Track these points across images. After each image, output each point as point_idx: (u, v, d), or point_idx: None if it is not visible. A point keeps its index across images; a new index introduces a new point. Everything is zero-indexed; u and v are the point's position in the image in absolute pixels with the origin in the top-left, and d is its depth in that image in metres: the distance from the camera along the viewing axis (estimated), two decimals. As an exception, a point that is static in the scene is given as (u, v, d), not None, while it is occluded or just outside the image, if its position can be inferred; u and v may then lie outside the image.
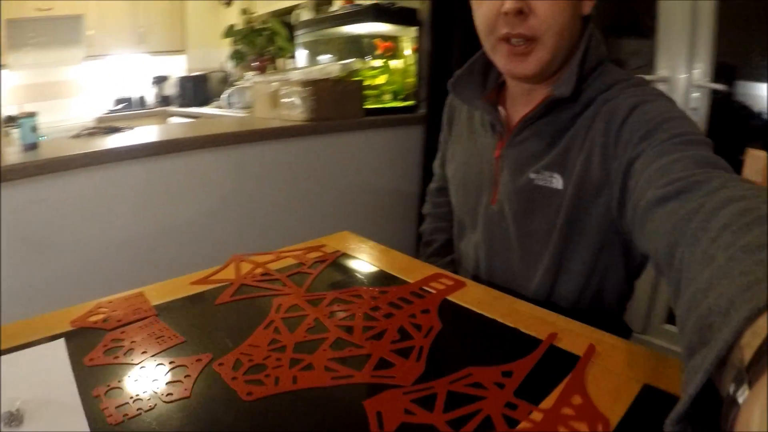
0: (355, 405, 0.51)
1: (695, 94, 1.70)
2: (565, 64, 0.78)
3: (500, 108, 0.88)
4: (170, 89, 4.25)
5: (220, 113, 2.88)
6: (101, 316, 0.66)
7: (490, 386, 0.54)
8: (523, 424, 0.48)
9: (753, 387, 0.24)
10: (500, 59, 0.78)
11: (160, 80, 4.25)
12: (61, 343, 0.60)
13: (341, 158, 2.05)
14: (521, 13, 0.70)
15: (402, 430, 0.46)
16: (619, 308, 0.89)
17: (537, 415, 0.49)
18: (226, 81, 3.87)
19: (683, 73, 1.69)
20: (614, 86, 0.76)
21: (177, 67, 4.26)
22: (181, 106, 3.74)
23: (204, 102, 3.67)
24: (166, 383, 0.52)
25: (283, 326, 0.65)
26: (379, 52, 2.38)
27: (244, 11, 3.66)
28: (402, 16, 2.32)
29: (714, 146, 0.60)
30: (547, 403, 0.52)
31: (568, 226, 0.78)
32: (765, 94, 1.69)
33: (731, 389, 0.25)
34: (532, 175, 0.80)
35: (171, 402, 0.49)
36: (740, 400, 0.24)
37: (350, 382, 0.54)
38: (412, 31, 2.39)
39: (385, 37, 2.38)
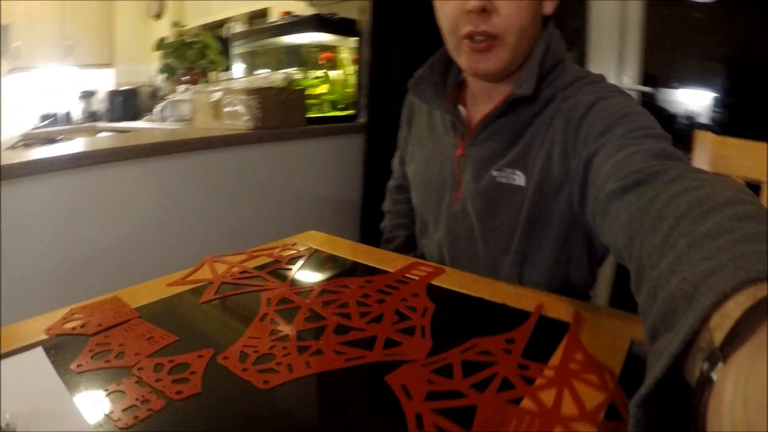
0: (376, 382, 0.51)
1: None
2: (525, 63, 0.80)
3: (461, 107, 0.89)
4: (98, 104, 4.05)
5: (154, 127, 2.78)
6: (78, 323, 0.62)
7: (498, 353, 0.56)
8: (539, 381, 0.50)
9: (726, 363, 0.25)
10: (463, 57, 0.79)
11: (87, 95, 4.03)
12: (39, 351, 0.55)
13: (285, 167, 2.03)
14: (484, 11, 0.71)
15: (430, 398, 0.47)
16: (583, 297, 0.91)
17: (549, 372, 0.52)
18: (155, 95, 3.73)
19: (612, 81, 1.82)
20: (573, 84, 0.78)
21: (105, 82, 4.06)
22: (111, 121, 3.57)
23: (134, 117, 3.52)
24: (172, 381, 0.49)
25: (279, 318, 0.64)
26: (320, 62, 2.39)
27: (175, 24, 3.56)
28: (342, 27, 2.35)
29: (672, 139, 0.63)
30: (553, 362, 0.54)
31: (530, 222, 0.80)
32: (685, 100, 1.90)
33: (705, 368, 0.26)
34: (495, 173, 0.81)
35: (182, 399, 0.47)
36: (715, 377, 0.25)
37: (364, 362, 0.54)
38: (351, 42, 2.42)
39: (325, 47, 2.40)
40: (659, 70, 1.97)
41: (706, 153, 0.81)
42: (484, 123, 0.82)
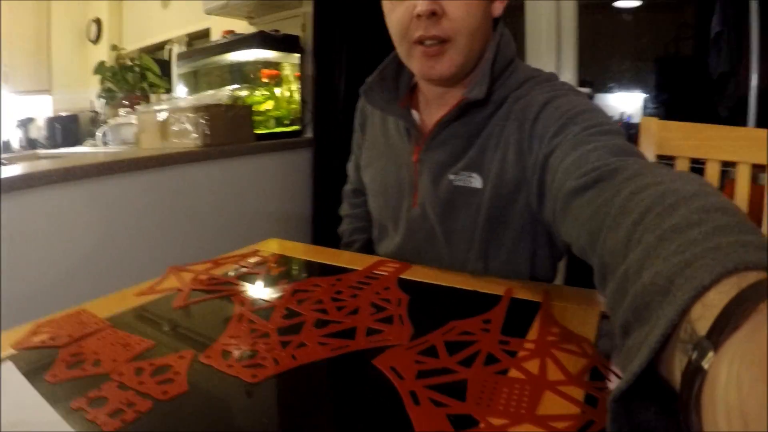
0: (364, 367, 0.51)
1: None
2: (477, 66, 0.80)
3: (414, 112, 0.88)
4: (37, 131, 3.85)
5: (98, 151, 2.67)
6: (46, 335, 0.58)
7: (478, 332, 0.57)
8: (521, 354, 0.52)
9: (719, 350, 0.25)
10: (415, 62, 0.78)
11: (25, 122, 3.82)
12: (9, 365, 0.52)
13: (235, 183, 2.01)
14: (434, 15, 0.71)
15: (420, 377, 0.48)
16: None
17: (529, 345, 0.54)
18: (96, 121, 3.59)
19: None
20: (525, 83, 0.78)
21: (43, 108, 3.87)
22: (51, 148, 3.40)
23: (75, 143, 3.37)
24: (156, 383, 0.47)
25: (256, 317, 0.63)
26: (264, 79, 2.38)
27: (114, 47, 3.46)
28: (285, 44, 2.36)
29: (626, 135, 0.64)
30: (531, 336, 0.56)
31: (490, 223, 0.80)
32: (616, 104, 2.07)
33: (693, 357, 0.26)
34: (451, 177, 0.81)
35: (169, 399, 0.45)
36: (706, 365, 0.25)
37: (349, 350, 0.54)
38: (295, 58, 2.43)
39: (268, 64, 2.40)
40: (594, 74, 2.10)
41: (651, 137, 0.88)
42: (438, 128, 0.81)
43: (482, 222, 0.80)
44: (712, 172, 0.85)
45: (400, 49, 0.80)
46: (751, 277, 0.27)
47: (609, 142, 0.59)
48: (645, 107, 2.05)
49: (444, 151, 0.82)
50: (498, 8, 0.79)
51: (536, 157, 0.70)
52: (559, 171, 0.61)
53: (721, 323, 0.26)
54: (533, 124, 0.72)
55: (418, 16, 0.71)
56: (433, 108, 0.86)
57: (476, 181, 0.79)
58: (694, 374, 0.25)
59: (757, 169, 0.84)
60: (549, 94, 0.73)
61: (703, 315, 0.27)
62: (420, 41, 0.74)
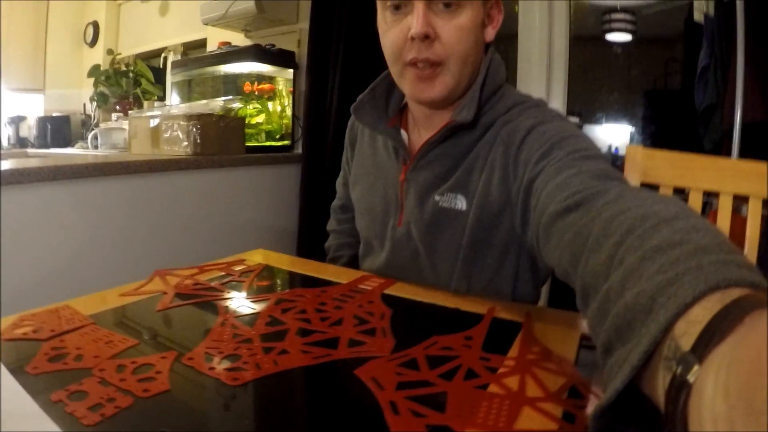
0: (344, 377, 0.52)
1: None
2: (467, 90, 0.80)
3: (403, 132, 0.90)
4: (27, 130, 3.81)
5: (88, 153, 2.65)
6: (29, 328, 0.58)
7: (459, 348, 0.58)
8: (501, 370, 0.53)
9: (704, 363, 0.25)
10: (407, 84, 0.79)
11: (16, 120, 3.78)
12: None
13: (223, 194, 2.01)
14: (427, 38, 0.72)
15: (400, 388, 0.48)
16: None
17: (509, 362, 0.54)
18: (86, 123, 3.57)
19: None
20: (513, 108, 0.80)
21: (34, 108, 3.83)
22: (41, 148, 3.37)
23: (65, 144, 3.34)
24: (138, 381, 0.47)
25: (239, 323, 0.63)
26: (257, 92, 2.40)
27: (110, 51, 3.45)
28: (280, 59, 2.38)
29: (610, 160, 0.67)
30: (512, 354, 0.57)
31: (474, 244, 0.81)
32: (604, 136, 2.15)
33: (678, 372, 0.26)
34: (437, 198, 0.82)
35: (150, 397, 0.45)
36: (692, 379, 0.25)
37: (330, 359, 0.54)
38: (289, 73, 2.45)
39: (262, 78, 2.42)
40: (583, 105, 2.15)
41: (636, 165, 0.90)
42: (425, 149, 0.83)
43: (466, 243, 0.81)
44: (695, 202, 0.88)
45: (393, 70, 0.81)
46: (735, 293, 0.28)
47: (592, 166, 0.60)
48: (632, 140, 2.10)
49: (430, 172, 0.83)
50: (490, 34, 0.81)
51: (521, 182, 0.71)
52: (543, 195, 0.61)
53: (706, 337, 0.26)
54: (519, 148, 0.74)
55: (412, 38, 0.73)
56: (421, 129, 0.87)
57: (461, 203, 0.80)
58: (680, 388, 0.26)
59: (739, 200, 0.87)
60: (535, 120, 0.74)
61: (687, 331, 0.27)
62: (413, 63, 0.75)
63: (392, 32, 0.76)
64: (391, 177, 0.90)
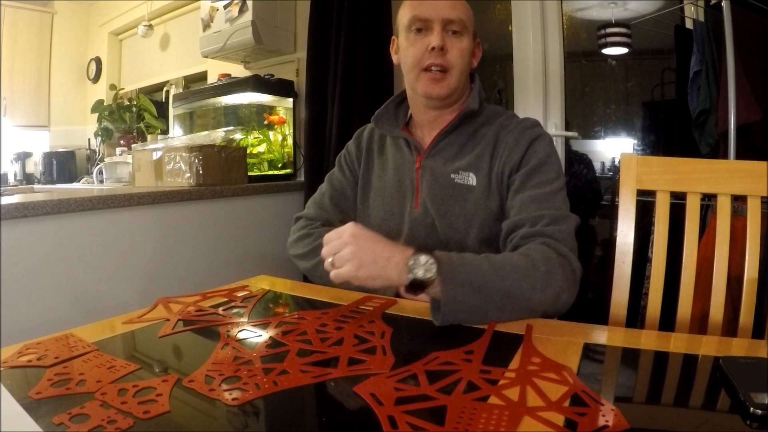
0: (344, 394, 0.52)
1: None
2: (462, 96, 1.04)
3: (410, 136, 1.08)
4: (33, 166, 3.86)
5: (94, 188, 2.68)
6: (33, 356, 0.59)
7: (459, 362, 0.57)
8: (502, 382, 0.52)
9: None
10: (422, 84, 0.98)
11: (22, 156, 3.83)
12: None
13: (226, 223, 2.02)
14: (442, 49, 0.95)
15: (399, 403, 0.48)
16: None
17: (510, 374, 0.54)
18: (91, 158, 3.62)
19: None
20: (503, 114, 1.04)
21: (39, 144, 3.90)
22: (47, 183, 3.42)
23: (71, 179, 3.39)
24: (138, 403, 0.48)
25: (240, 346, 0.63)
26: (274, 123, 2.44)
27: (112, 87, 3.52)
28: (279, 88, 2.42)
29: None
30: (513, 366, 0.56)
31: (482, 211, 0.96)
32: (604, 150, 2.21)
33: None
34: (453, 176, 1.00)
35: (150, 418, 0.45)
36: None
37: (330, 378, 0.54)
38: (288, 102, 2.49)
39: (263, 108, 2.45)
40: (582, 120, 2.17)
41: (631, 172, 0.90)
42: (439, 137, 1.02)
43: (478, 211, 0.96)
44: (693, 206, 0.87)
45: (410, 76, 1.01)
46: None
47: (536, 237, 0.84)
48: (633, 151, 2.10)
49: (443, 156, 1.02)
50: (474, 63, 1.05)
51: (506, 180, 0.95)
52: (511, 212, 0.92)
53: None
54: (516, 152, 0.95)
55: (432, 49, 0.95)
56: (425, 131, 1.07)
57: (472, 180, 0.98)
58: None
59: (737, 201, 0.87)
60: (531, 138, 0.96)
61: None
62: (428, 68, 0.97)
63: (415, 47, 0.98)
64: (406, 167, 1.06)
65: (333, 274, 0.74)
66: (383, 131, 1.11)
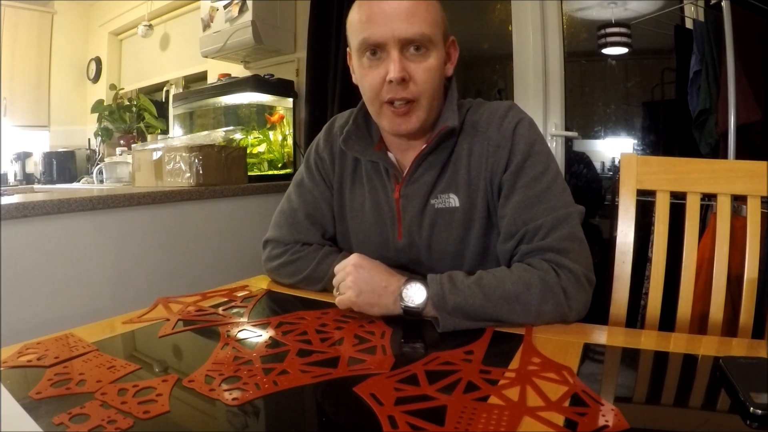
0: (344, 394, 0.52)
1: (551, 144, 1.98)
2: (437, 116, 0.88)
3: (389, 154, 0.93)
4: (33, 166, 3.86)
5: (94, 187, 2.68)
6: (33, 356, 0.59)
7: (459, 362, 0.57)
8: (502, 382, 0.52)
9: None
10: (386, 120, 0.85)
11: (22, 156, 3.83)
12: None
13: (226, 223, 2.02)
14: (403, 81, 0.80)
15: (399, 403, 0.48)
16: None
17: (510, 374, 0.54)
18: (91, 158, 3.62)
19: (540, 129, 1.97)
20: (470, 106, 0.90)
21: (39, 144, 3.89)
22: (47, 183, 3.42)
23: (71, 179, 3.39)
24: (138, 403, 0.48)
25: (240, 346, 0.63)
26: (269, 124, 2.44)
27: (112, 87, 3.51)
28: (279, 88, 2.42)
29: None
30: (512, 366, 0.56)
31: (467, 230, 0.88)
32: (604, 149, 2.19)
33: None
34: (432, 201, 0.89)
35: (150, 418, 0.45)
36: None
37: (330, 377, 0.54)
38: (288, 102, 2.49)
39: (264, 108, 2.45)
40: (582, 120, 2.17)
41: (631, 172, 0.90)
42: (417, 162, 0.88)
43: (466, 232, 0.88)
44: (693, 205, 0.87)
45: (372, 108, 0.87)
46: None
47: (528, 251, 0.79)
48: (633, 151, 2.10)
49: (424, 182, 0.89)
50: (449, 70, 0.89)
51: (493, 184, 0.85)
52: (503, 223, 0.83)
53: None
54: (495, 161, 0.84)
55: (390, 81, 0.80)
56: (404, 147, 0.92)
57: (454, 201, 0.88)
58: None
59: (737, 201, 0.86)
60: (510, 132, 0.84)
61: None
62: (390, 102, 0.82)
63: (370, 76, 0.82)
64: (383, 196, 0.93)
65: (336, 300, 0.77)
66: (355, 154, 0.94)
